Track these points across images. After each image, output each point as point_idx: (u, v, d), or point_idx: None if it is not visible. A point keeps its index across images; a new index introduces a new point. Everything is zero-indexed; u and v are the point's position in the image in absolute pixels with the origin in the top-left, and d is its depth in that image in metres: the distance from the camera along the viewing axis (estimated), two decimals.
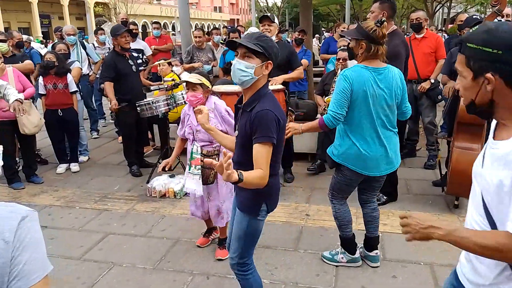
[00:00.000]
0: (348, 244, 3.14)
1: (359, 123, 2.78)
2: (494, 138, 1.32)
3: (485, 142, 1.48)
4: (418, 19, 5.13)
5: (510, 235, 1.18)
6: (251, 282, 2.39)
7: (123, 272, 3.20)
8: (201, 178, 3.18)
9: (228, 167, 1.74)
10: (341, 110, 2.73)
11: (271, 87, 4.38)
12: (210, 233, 3.62)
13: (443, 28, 16.89)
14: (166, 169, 3.18)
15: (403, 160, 5.26)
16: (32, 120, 4.87)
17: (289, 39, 8.58)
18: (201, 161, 3.15)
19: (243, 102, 2.15)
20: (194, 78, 3.11)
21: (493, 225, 1.29)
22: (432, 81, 5.05)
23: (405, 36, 5.16)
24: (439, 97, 5.11)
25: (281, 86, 4.48)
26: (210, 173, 3.19)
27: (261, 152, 1.98)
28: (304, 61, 6.09)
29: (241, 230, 2.27)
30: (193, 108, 3.22)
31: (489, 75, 1.23)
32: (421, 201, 4.25)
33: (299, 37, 6.72)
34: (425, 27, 5.20)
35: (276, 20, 4.56)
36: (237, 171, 1.82)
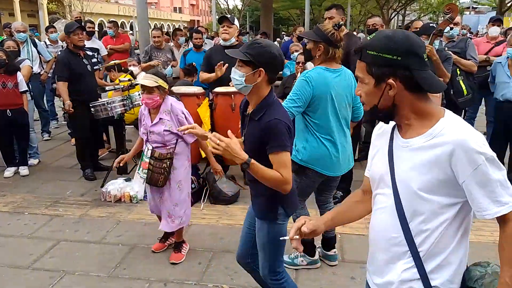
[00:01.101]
0: (308, 247, 3.15)
1: (326, 124, 2.80)
2: (404, 137, 1.36)
3: None
4: (374, 24, 5.26)
5: None
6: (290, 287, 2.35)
7: (76, 280, 3.05)
8: (145, 182, 3.10)
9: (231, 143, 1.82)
10: (296, 108, 2.74)
11: (231, 88, 4.35)
12: (166, 239, 3.51)
13: None
14: (121, 164, 3.06)
15: (360, 163, 5.37)
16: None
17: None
18: (150, 164, 3.06)
19: (250, 110, 2.13)
20: (150, 80, 3.01)
21: (404, 222, 1.33)
22: None
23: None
24: None
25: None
26: (159, 178, 3.10)
27: (279, 161, 1.99)
28: None
29: (264, 238, 2.22)
30: (149, 109, 3.13)
31: (390, 80, 1.28)
32: None
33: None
34: None
35: (236, 22, 4.53)
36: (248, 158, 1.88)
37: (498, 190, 1.23)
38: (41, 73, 6.47)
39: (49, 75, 6.44)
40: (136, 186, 3.10)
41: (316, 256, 3.18)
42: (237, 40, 4.59)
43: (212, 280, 3.04)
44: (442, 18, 4.12)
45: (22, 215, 4.12)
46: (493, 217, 1.25)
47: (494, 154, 1.24)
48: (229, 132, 1.89)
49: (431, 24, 4.97)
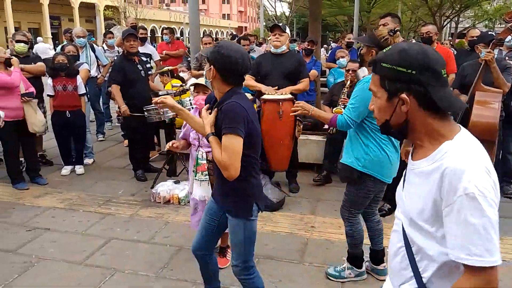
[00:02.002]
0: (357, 260, 3.09)
1: None
2: (412, 159, 1.31)
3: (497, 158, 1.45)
4: (429, 32, 5.10)
5: (479, 272, 1.11)
6: (257, 284, 2.44)
7: (125, 279, 3.16)
8: (209, 184, 3.15)
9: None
10: (357, 119, 2.71)
11: (279, 96, 4.37)
12: None
13: (451, 43, 16.87)
14: (175, 145, 3.05)
15: None
16: (40, 119, 4.92)
17: (297, 49, 8.58)
18: (207, 167, 3.12)
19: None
20: (203, 81, 3.12)
21: (408, 247, 1.29)
22: None
23: None
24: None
25: (289, 96, 4.46)
26: (214, 179, 3.15)
27: (224, 143, 2.02)
28: (313, 72, 6.09)
29: (241, 235, 2.28)
30: (200, 113, 3.20)
31: (403, 95, 1.21)
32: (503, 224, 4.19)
33: (309, 47, 6.73)
34: (435, 41, 5.18)
35: (287, 30, 4.57)
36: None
37: (471, 235, 1.10)
38: (98, 77, 6.79)
39: (105, 78, 6.75)
40: (201, 191, 3.15)
41: (363, 268, 3.12)
42: (286, 48, 4.63)
43: None
44: (499, 26, 3.94)
45: (76, 212, 4.33)
46: (456, 260, 1.13)
47: (483, 194, 1.09)
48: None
49: (489, 33, 4.76)
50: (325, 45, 22.83)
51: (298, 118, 4.56)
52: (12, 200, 4.63)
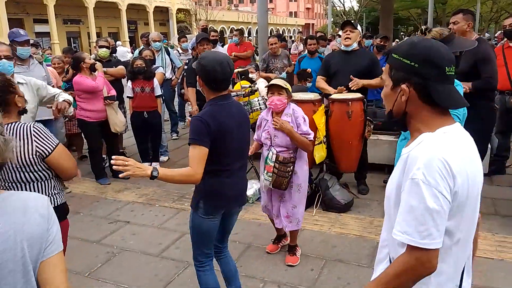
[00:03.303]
0: None
1: None
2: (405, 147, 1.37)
3: None
4: None
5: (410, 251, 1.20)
6: (202, 279, 2.55)
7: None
8: (271, 184, 3.21)
9: (134, 168, 2.07)
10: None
11: (348, 95, 4.30)
12: (279, 240, 3.63)
13: None
14: (250, 153, 3.17)
15: (490, 178, 4.88)
16: (121, 119, 5.31)
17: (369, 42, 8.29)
18: (274, 167, 3.18)
19: None
20: (281, 82, 3.17)
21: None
22: None
23: (492, 44, 4.91)
24: None
25: (359, 95, 4.37)
26: (283, 181, 3.21)
27: (190, 153, 2.25)
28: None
29: (189, 223, 2.52)
30: (272, 113, 3.27)
31: (404, 86, 1.28)
32: (510, 224, 3.90)
33: (381, 43, 6.52)
34: None
35: (359, 27, 4.48)
36: (153, 168, 2.12)
37: (406, 215, 1.20)
38: (172, 79, 7.14)
39: (178, 80, 7.07)
40: (261, 186, 3.34)
41: None
42: (359, 45, 4.54)
43: None
44: None
45: (153, 206, 4.61)
46: (393, 236, 1.24)
47: (428, 182, 1.16)
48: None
49: None
50: (397, 40, 21.93)
51: (368, 117, 4.46)
52: (96, 194, 5.04)
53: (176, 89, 7.31)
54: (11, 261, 1.12)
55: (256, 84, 5.81)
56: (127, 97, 5.71)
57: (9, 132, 2.14)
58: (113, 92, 5.38)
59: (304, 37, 10.12)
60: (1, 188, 2.04)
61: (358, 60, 4.47)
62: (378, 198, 4.60)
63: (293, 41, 15.11)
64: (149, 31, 9.10)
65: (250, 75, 6.10)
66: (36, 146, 2.19)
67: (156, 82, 5.64)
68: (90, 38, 27.79)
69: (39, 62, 4.97)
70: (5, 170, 2.17)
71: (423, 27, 2.73)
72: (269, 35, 7.31)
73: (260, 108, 4.99)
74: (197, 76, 2.39)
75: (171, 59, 7.10)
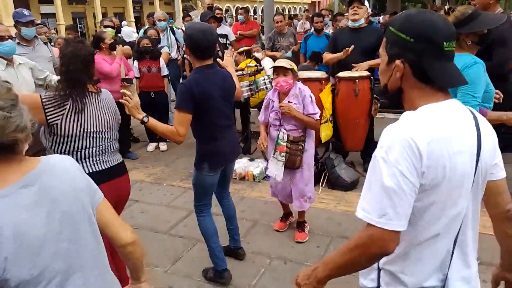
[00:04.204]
0: None
1: None
2: None
3: None
4: None
5: (367, 227, 1.17)
6: (201, 223, 2.95)
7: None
8: (283, 165, 3.23)
9: (134, 107, 2.45)
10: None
11: (356, 73, 4.28)
12: (287, 218, 3.68)
13: None
14: (264, 146, 3.38)
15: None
16: (135, 100, 5.31)
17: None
18: (287, 147, 3.21)
19: None
20: (286, 63, 3.16)
21: None
22: None
23: None
24: None
25: (366, 73, 4.34)
26: (296, 159, 3.24)
27: (174, 115, 2.52)
28: None
29: (193, 181, 2.88)
30: (278, 94, 3.27)
31: (398, 62, 1.22)
32: None
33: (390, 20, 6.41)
34: None
35: (366, 3, 4.40)
36: (145, 116, 2.48)
37: (366, 191, 1.19)
38: (178, 59, 7.11)
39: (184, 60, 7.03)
40: (274, 169, 3.31)
41: None
42: (366, 22, 4.48)
43: None
44: None
45: (161, 185, 4.67)
46: (357, 214, 1.21)
47: (388, 161, 1.13)
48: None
49: None
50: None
51: (375, 96, 4.43)
52: None
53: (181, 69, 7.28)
54: (80, 213, 1.29)
55: (262, 63, 5.78)
56: (134, 77, 5.71)
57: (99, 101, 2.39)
58: (132, 74, 5.38)
59: (310, 15, 9.97)
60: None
61: (366, 37, 4.41)
62: None
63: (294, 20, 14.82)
64: (154, 11, 8.99)
65: (256, 54, 6.06)
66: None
67: (162, 61, 5.63)
68: (96, 19, 27.61)
69: (44, 42, 4.97)
70: (94, 138, 2.35)
71: (446, 7, 2.65)
72: (274, 13, 7.22)
73: (266, 87, 4.98)
74: (185, 45, 2.62)
75: (176, 39, 7.05)
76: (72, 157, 2.26)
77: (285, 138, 3.22)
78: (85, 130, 2.28)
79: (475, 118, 1.26)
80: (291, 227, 3.63)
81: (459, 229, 1.26)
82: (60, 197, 1.25)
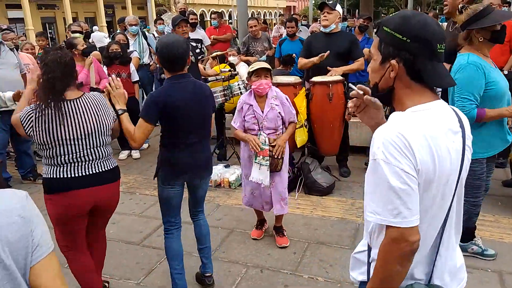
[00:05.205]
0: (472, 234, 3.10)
1: None
2: None
3: None
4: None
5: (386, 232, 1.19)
6: (166, 244, 2.76)
7: None
8: (268, 169, 3.18)
9: (117, 97, 2.55)
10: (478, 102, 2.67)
11: (329, 78, 4.28)
12: (262, 225, 3.62)
13: None
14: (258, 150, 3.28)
15: None
16: (122, 91, 5.17)
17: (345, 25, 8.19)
18: (270, 151, 3.18)
19: None
20: (267, 65, 3.17)
21: None
22: (506, 72, 4.66)
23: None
24: None
25: (340, 77, 4.35)
26: (278, 162, 3.24)
27: (137, 123, 2.51)
28: (366, 50, 5.79)
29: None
30: (255, 95, 3.21)
31: (393, 61, 1.25)
32: (489, 201, 3.96)
33: (365, 23, 6.45)
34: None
35: (338, 8, 4.41)
36: (122, 109, 2.54)
37: (372, 195, 1.21)
38: (150, 64, 6.98)
39: (157, 65, 6.90)
40: (259, 174, 3.22)
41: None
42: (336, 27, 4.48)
43: (307, 271, 3.05)
44: None
45: (133, 195, 4.54)
46: (368, 218, 1.23)
47: (387, 161, 1.15)
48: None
49: None
50: (376, 22, 21.95)
51: (349, 100, 4.44)
52: None
53: (154, 74, 7.15)
54: None
55: (237, 67, 5.73)
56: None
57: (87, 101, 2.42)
58: (104, 84, 5.22)
59: (284, 20, 9.99)
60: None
61: (339, 41, 4.43)
62: (360, 180, 4.62)
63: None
64: (126, 16, 8.83)
65: (232, 58, 6.00)
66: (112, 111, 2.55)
67: (132, 67, 5.51)
68: (66, 24, 26.98)
69: (10, 48, 4.77)
70: (92, 138, 2.41)
71: (460, 6, 2.68)
72: (249, 18, 7.19)
73: (241, 92, 4.93)
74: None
75: (148, 43, 6.92)
76: (51, 162, 2.38)
77: (267, 142, 3.18)
78: (56, 138, 2.31)
79: (458, 117, 1.30)
80: (267, 234, 3.57)
81: (445, 224, 1.30)
82: None
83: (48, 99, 2.27)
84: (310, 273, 3.03)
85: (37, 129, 2.29)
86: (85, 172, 2.41)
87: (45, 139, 2.31)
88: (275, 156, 3.20)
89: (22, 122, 2.32)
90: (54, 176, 2.36)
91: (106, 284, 2.92)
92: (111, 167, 2.57)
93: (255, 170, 3.22)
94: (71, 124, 2.33)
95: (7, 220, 1.04)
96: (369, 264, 1.36)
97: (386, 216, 1.16)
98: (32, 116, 2.30)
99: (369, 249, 1.36)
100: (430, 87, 1.27)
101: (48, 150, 2.34)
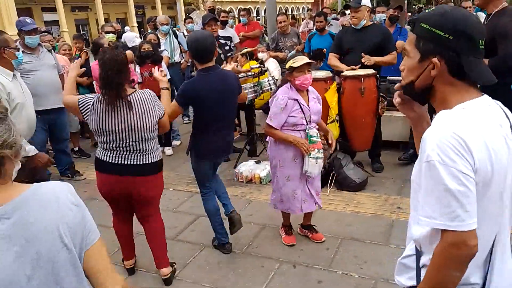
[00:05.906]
0: None
1: None
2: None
3: None
4: None
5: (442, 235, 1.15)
6: (204, 205, 3.32)
7: (213, 254, 3.33)
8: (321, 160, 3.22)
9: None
10: None
11: (361, 72, 4.20)
12: (291, 230, 3.51)
13: None
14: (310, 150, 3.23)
15: None
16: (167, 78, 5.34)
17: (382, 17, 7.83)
18: (323, 143, 3.24)
19: None
20: (308, 59, 3.13)
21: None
22: None
23: None
24: None
25: (372, 71, 4.27)
26: (326, 155, 3.34)
27: (172, 103, 3.00)
28: (399, 43, 5.42)
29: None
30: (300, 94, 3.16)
31: (435, 59, 1.20)
32: None
33: (395, 14, 6.27)
34: None
35: (364, 2, 4.31)
36: (168, 89, 3.09)
37: (429, 199, 1.15)
38: (181, 62, 7.08)
39: (188, 63, 7.01)
40: (311, 167, 3.16)
41: None
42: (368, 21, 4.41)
43: (341, 267, 3.04)
44: None
45: (167, 190, 4.61)
46: (419, 222, 1.20)
47: (444, 162, 1.10)
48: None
49: None
50: (409, 14, 21.33)
51: (381, 94, 4.36)
52: None
53: (185, 72, 7.24)
54: (60, 254, 1.11)
55: (266, 63, 5.72)
56: (138, 82, 5.68)
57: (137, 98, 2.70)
58: (134, 79, 5.35)
59: (313, 14, 9.90)
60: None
61: (370, 36, 4.35)
62: (393, 176, 4.54)
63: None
64: (156, 15, 8.97)
65: (261, 55, 5.99)
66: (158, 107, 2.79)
67: (164, 66, 5.59)
68: (99, 25, 27.73)
69: (48, 50, 4.95)
70: (134, 133, 2.67)
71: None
72: (277, 13, 7.16)
73: (271, 88, 4.92)
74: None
75: (179, 42, 7.01)
76: (101, 145, 2.75)
77: (318, 134, 3.19)
78: (105, 128, 2.64)
79: (504, 112, 1.27)
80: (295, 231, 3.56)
81: (500, 225, 1.25)
82: (39, 234, 1.07)
83: (108, 93, 2.60)
84: (344, 269, 3.01)
85: (92, 117, 2.65)
86: (122, 161, 2.72)
87: (95, 127, 2.66)
88: (328, 147, 3.30)
89: (80, 107, 2.67)
90: (98, 157, 2.78)
91: (174, 265, 3.16)
92: (151, 161, 2.81)
93: (311, 164, 3.12)
94: (119, 117, 2.62)
95: (66, 208, 1.15)
96: (418, 269, 1.31)
97: (443, 220, 1.12)
98: (90, 104, 2.66)
99: (418, 253, 1.32)
100: (473, 84, 1.23)
101: (99, 136, 2.72)
